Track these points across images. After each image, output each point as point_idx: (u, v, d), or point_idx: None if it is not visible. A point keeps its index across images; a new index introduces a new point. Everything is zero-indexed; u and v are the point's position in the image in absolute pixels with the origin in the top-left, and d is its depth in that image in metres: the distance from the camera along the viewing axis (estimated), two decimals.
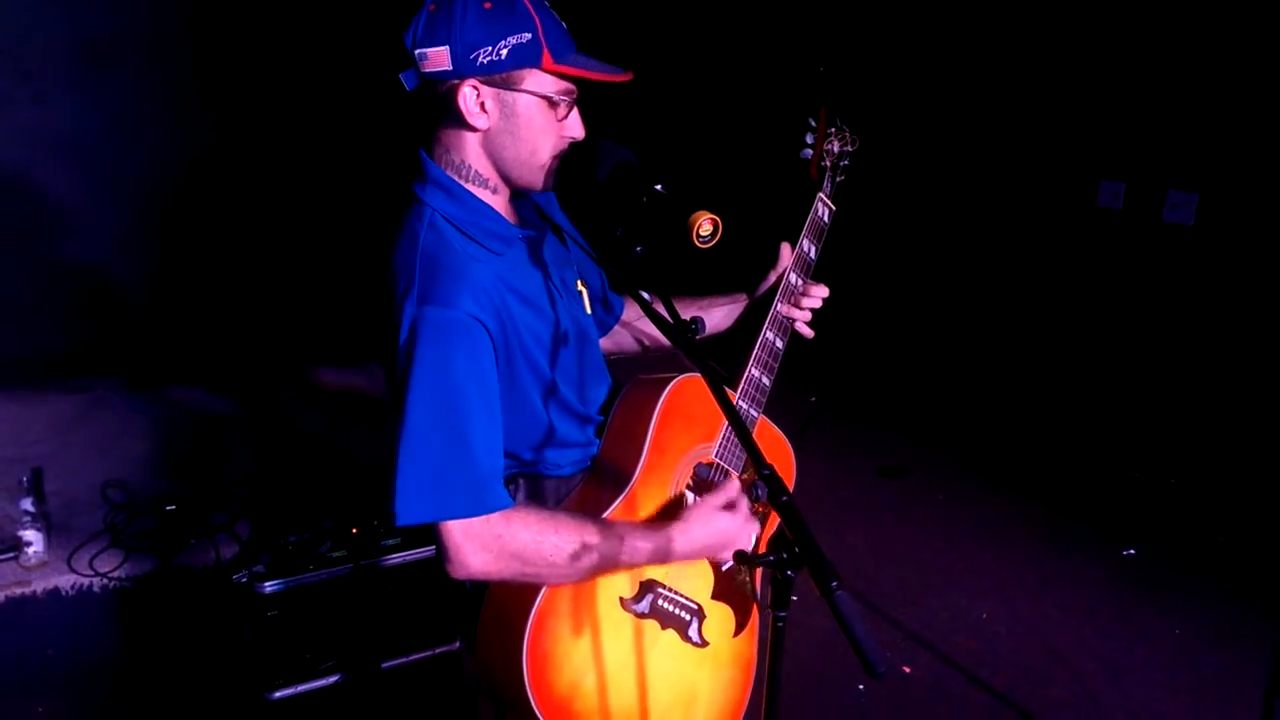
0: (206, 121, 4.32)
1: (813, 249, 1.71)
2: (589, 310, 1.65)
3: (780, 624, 1.16)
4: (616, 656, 1.49)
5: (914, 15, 4.49)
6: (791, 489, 1.69)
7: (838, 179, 1.74)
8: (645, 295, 1.37)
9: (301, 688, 2.38)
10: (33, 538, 2.50)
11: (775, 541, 1.12)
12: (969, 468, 3.86)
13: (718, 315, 1.76)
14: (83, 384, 3.84)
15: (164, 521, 2.76)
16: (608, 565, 1.42)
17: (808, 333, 1.71)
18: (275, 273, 4.33)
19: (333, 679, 2.42)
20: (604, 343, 1.84)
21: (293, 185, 4.40)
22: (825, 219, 1.73)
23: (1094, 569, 3.16)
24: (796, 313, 1.68)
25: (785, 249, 1.71)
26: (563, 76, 1.37)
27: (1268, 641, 2.68)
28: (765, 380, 1.63)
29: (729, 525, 1.48)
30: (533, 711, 1.42)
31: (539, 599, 1.44)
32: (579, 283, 1.63)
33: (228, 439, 3.39)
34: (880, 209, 4.79)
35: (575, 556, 1.38)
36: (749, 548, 1.52)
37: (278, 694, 2.35)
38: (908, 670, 2.66)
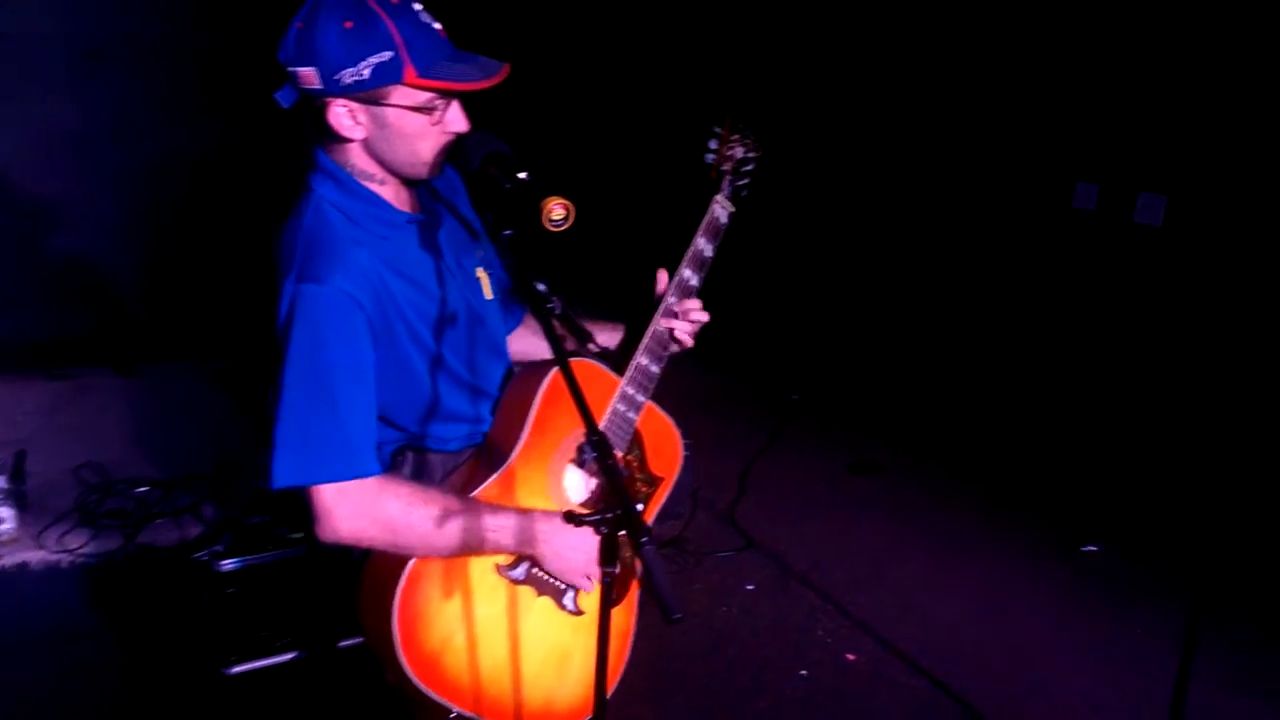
0: (197, 116, 4.43)
1: (708, 247, 1.77)
2: (490, 295, 1.72)
3: (608, 579, 1.23)
4: (489, 618, 1.56)
5: (898, 17, 4.53)
6: (676, 470, 1.77)
7: (739, 183, 1.81)
8: (540, 287, 1.42)
9: (257, 663, 2.45)
10: (4, 514, 2.60)
11: (603, 503, 1.19)
12: (940, 466, 3.90)
13: (600, 337, 1.82)
14: (69, 370, 3.96)
15: (134, 502, 2.85)
16: (475, 545, 1.50)
17: (687, 341, 1.74)
18: (258, 264, 4.42)
19: (289, 656, 2.49)
20: (518, 339, 1.91)
21: (275, 180, 4.49)
22: (723, 219, 1.79)
23: (1053, 564, 3.19)
24: (676, 323, 1.72)
25: (662, 274, 1.75)
26: (429, 89, 1.43)
27: (1226, 641, 2.72)
28: (654, 368, 1.70)
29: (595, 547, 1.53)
30: (401, 667, 1.49)
31: (412, 560, 1.51)
32: (480, 269, 1.71)
33: (205, 424, 3.49)
34: (863, 210, 4.84)
35: (443, 532, 1.45)
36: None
37: (234, 669, 2.43)
38: (851, 658, 2.70)
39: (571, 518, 1.21)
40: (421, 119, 1.45)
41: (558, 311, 1.36)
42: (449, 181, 1.67)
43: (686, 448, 3.39)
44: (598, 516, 1.18)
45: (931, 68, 4.42)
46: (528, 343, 1.91)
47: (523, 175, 1.42)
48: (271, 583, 2.47)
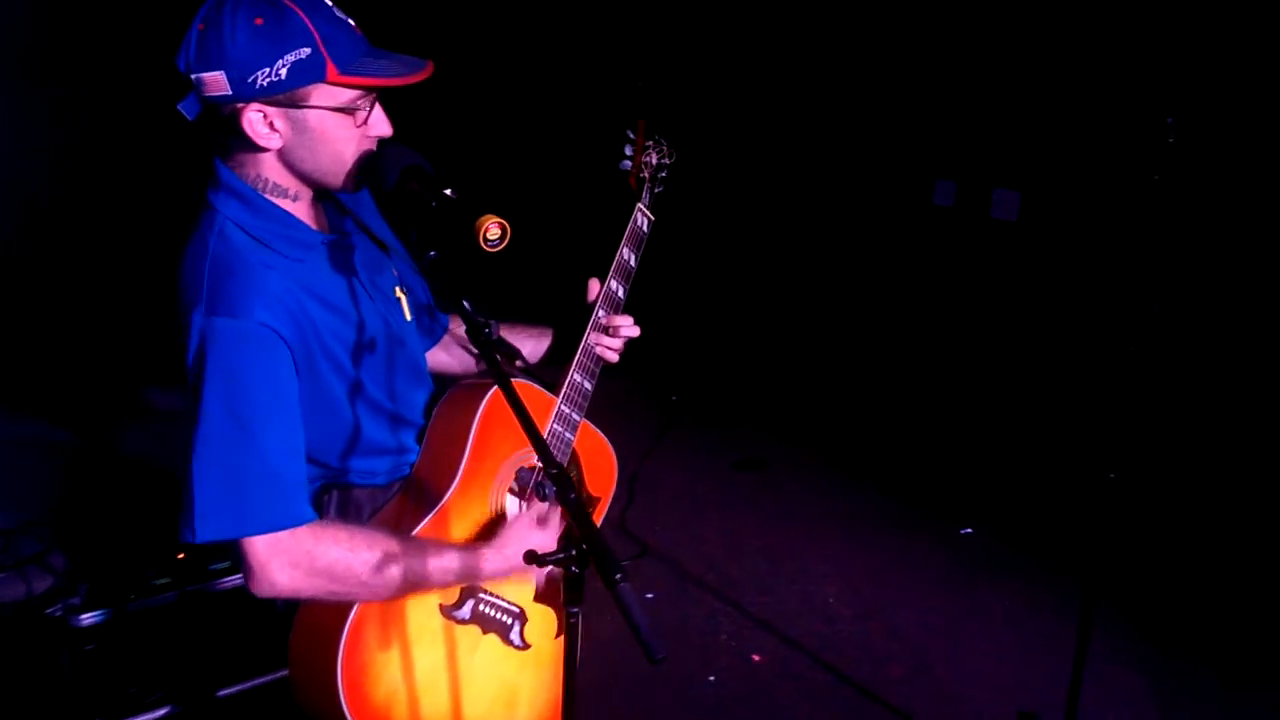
0: (24, 129, 4.03)
1: (633, 257, 1.74)
2: (409, 317, 1.61)
3: (573, 620, 1.16)
4: (436, 663, 1.47)
5: (756, 23, 4.61)
6: (612, 489, 1.71)
7: (656, 190, 1.78)
8: (467, 304, 1.33)
9: None
10: None
11: (565, 539, 1.12)
12: (820, 459, 3.98)
13: (527, 345, 1.75)
14: None
15: None
16: (420, 584, 1.40)
17: (613, 357, 1.72)
18: (100, 290, 4.07)
19: (162, 711, 2.29)
20: (439, 355, 1.81)
21: (114, 198, 4.15)
22: (644, 229, 1.76)
23: (933, 549, 3.31)
24: (605, 339, 1.69)
25: (593, 283, 1.71)
26: (353, 86, 1.32)
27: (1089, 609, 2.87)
28: (587, 385, 1.65)
29: (542, 541, 1.47)
30: None
31: (353, 611, 1.40)
32: (397, 289, 1.60)
33: (45, 466, 3.16)
34: (729, 213, 4.90)
35: (388, 575, 1.35)
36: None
37: None
38: (757, 658, 2.71)
39: (533, 558, 1.13)
40: (345, 121, 1.33)
41: (496, 336, 1.28)
42: (358, 197, 1.55)
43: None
44: (562, 555, 1.10)
45: (793, 71, 4.52)
46: (441, 359, 1.81)
47: (448, 192, 1.31)
48: (138, 633, 2.27)
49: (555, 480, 1.10)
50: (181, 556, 2.44)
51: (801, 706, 2.54)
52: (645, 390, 4.62)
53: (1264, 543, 3.16)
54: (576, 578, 1.11)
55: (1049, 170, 3.73)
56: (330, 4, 1.32)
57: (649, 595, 3.00)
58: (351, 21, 1.34)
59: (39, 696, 2.36)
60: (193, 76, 1.28)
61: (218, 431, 1.27)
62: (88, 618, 2.22)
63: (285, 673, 2.42)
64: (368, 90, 1.34)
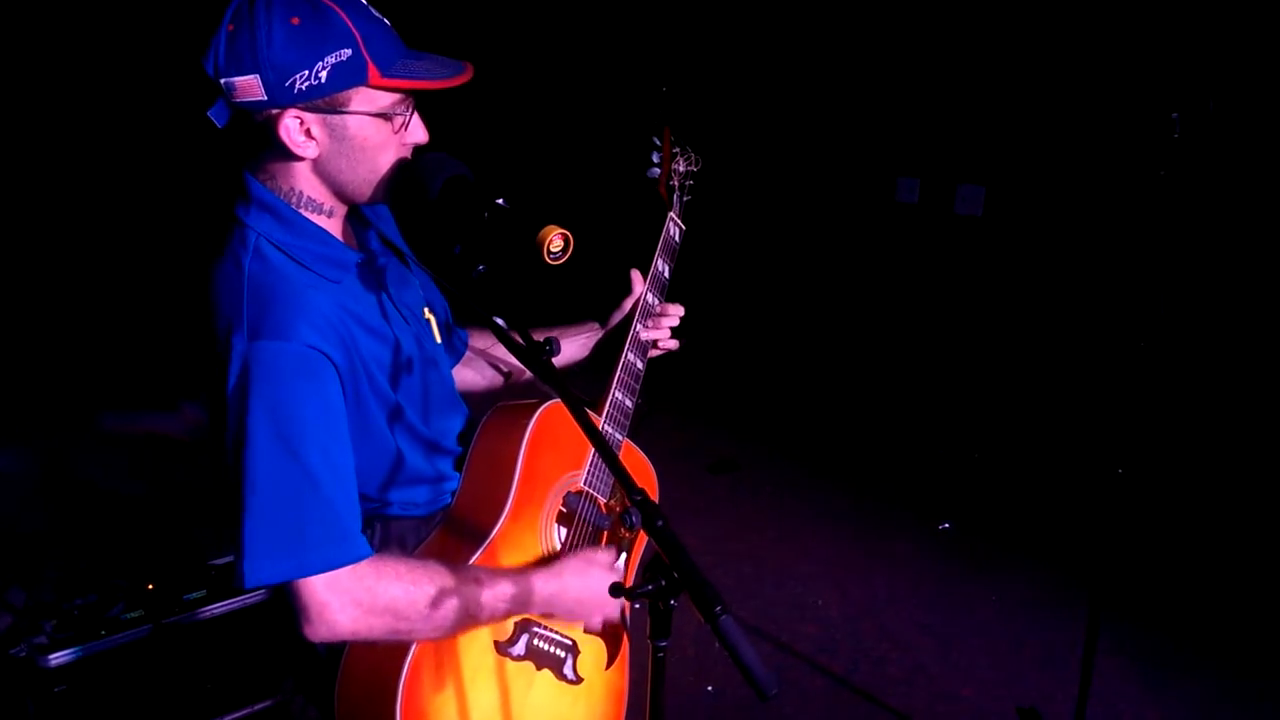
0: None
1: (666, 268, 1.69)
2: (439, 338, 1.53)
3: (661, 654, 1.10)
4: (493, 704, 1.40)
5: (723, 32, 4.59)
6: None
7: (685, 199, 1.73)
8: (499, 321, 1.26)
9: None
10: None
11: (652, 570, 1.05)
12: (794, 458, 3.97)
13: (571, 347, 1.69)
14: None
15: None
16: (482, 617, 1.33)
17: (672, 345, 1.68)
18: (60, 309, 3.87)
19: None
20: (460, 372, 1.73)
21: (74, 208, 3.95)
22: (677, 238, 1.72)
23: (914, 546, 3.32)
24: (656, 333, 1.64)
25: (636, 276, 1.67)
26: (396, 89, 1.23)
27: (1075, 601, 2.91)
28: (628, 402, 1.59)
29: (604, 584, 1.41)
30: None
31: (410, 654, 1.32)
32: (426, 309, 1.51)
33: None
34: (703, 212, 4.85)
35: (449, 609, 1.27)
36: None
37: None
38: None
39: (619, 591, 1.06)
40: (384, 128, 1.24)
41: (556, 353, 1.20)
42: (378, 212, 1.46)
43: None
44: (651, 588, 1.03)
45: (755, 69, 4.50)
46: (465, 376, 1.73)
47: (500, 202, 1.23)
48: (109, 673, 2.14)
49: (640, 508, 1.04)
50: (152, 587, 2.32)
51: (803, 712, 2.52)
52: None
53: (1269, 540, 3.21)
54: (667, 610, 1.05)
55: (1012, 165, 3.77)
56: (366, 3, 1.23)
57: (635, 605, 2.94)
58: (387, 21, 1.25)
59: None
60: (222, 81, 1.17)
61: (267, 464, 1.17)
62: (56, 657, 2.08)
63: (269, 703, 2.34)
64: (408, 94, 1.26)
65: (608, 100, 4.92)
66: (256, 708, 2.31)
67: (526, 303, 1.32)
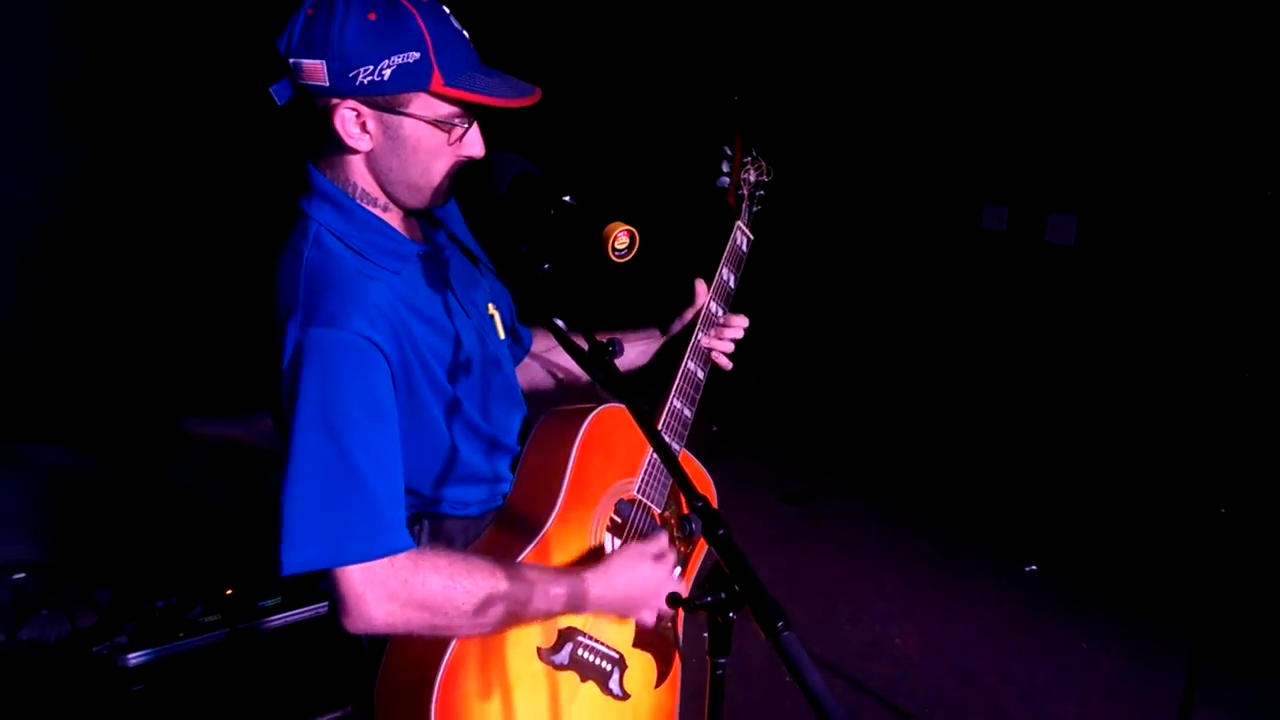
0: (66, 154, 4.01)
1: (732, 278, 1.66)
2: (503, 335, 1.53)
3: (720, 672, 1.05)
4: (534, 712, 1.36)
5: (809, 48, 4.57)
6: None
7: (754, 209, 1.70)
8: (558, 322, 1.25)
9: None
10: None
11: (711, 581, 1.01)
12: (871, 492, 3.87)
13: (631, 353, 1.67)
14: None
15: (10, 591, 2.47)
16: (525, 615, 1.30)
17: (726, 364, 1.64)
18: (144, 319, 4.03)
19: None
20: (523, 373, 1.72)
21: (162, 226, 4.12)
22: (744, 248, 1.69)
23: (998, 587, 3.18)
24: (718, 343, 1.61)
25: (700, 285, 1.64)
26: (456, 100, 1.24)
27: (1170, 647, 2.75)
28: (687, 412, 1.55)
29: (653, 575, 1.38)
30: None
31: (448, 653, 1.29)
32: (490, 305, 1.52)
33: (88, 499, 3.09)
34: (775, 235, 4.81)
35: (490, 605, 1.24)
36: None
37: None
38: None
39: (676, 600, 1.03)
40: (439, 136, 1.26)
41: (619, 354, 1.18)
42: (447, 210, 1.47)
43: None
44: (710, 599, 0.99)
45: (844, 96, 4.46)
46: (528, 377, 1.72)
47: (568, 199, 1.22)
48: (187, 674, 2.18)
49: (701, 514, 1.00)
50: (230, 593, 2.36)
51: None
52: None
53: None
54: (726, 624, 1.01)
55: (1106, 192, 3.63)
56: (448, 12, 1.25)
57: (704, 634, 2.89)
58: (466, 34, 1.26)
59: None
60: (291, 61, 1.20)
61: (311, 450, 1.18)
62: (135, 657, 2.13)
63: (336, 714, 2.35)
64: (468, 107, 1.27)
65: (680, 108, 4.94)
66: (325, 718, 2.33)
67: (589, 307, 1.31)
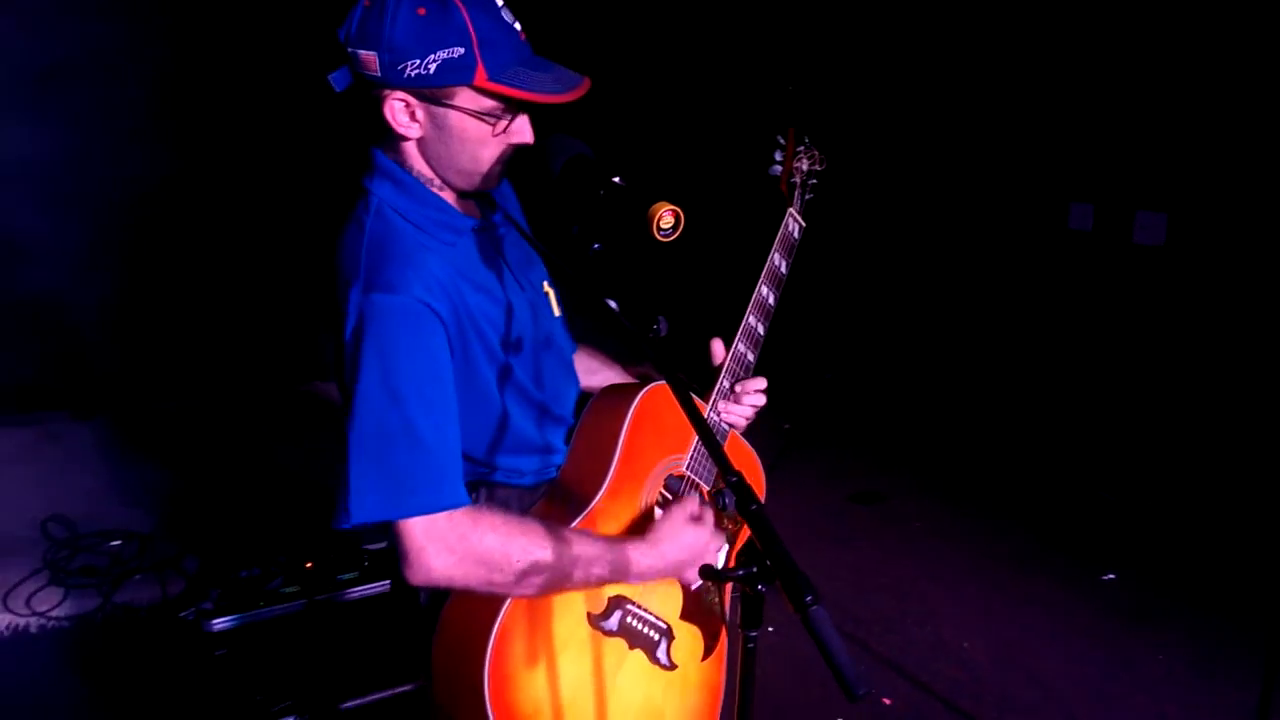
0: (162, 143, 4.21)
1: (783, 263, 1.68)
2: (558, 312, 1.58)
3: (751, 645, 1.07)
4: (582, 677, 1.41)
5: (887, 38, 4.51)
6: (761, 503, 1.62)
7: (806, 197, 1.71)
8: (611, 303, 1.28)
9: None
10: None
11: (745, 555, 1.04)
12: (944, 493, 3.80)
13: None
14: (30, 417, 3.70)
15: (107, 557, 2.63)
16: (574, 578, 1.34)
17: (747, 415, 1.64)
18: (235, 296, 4.21)
19: None
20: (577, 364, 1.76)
21: (251, 207, 4.30)
22: (795, 235, 1.70)
23: (1073, 594, 3.10)
24: (737, 411, 1.62)
25: (717, 344, 1.63)
26: (498, 95, 1.29)
27: (1253, 663, 2.64)
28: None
29: (695, 539, 1.41)
30: None
31: (500, 616, 1.34)
32: (545, 284, 1.57)
33: (180, 471, 3.26)
34: (852, 231, 4.78)
35: (542, 566, 1.29)
36: (717, 564, 1.45)
37: None
38: (888, 702, 2.57)
39: (710, 573, 1.06)
40: (483, 128, 1.32)
41: (663, 333, 1.22)
42: (502, 192, 1.53)
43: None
44: (743, 572, 1.02)
45: (926, 91, 4.40)
46: (583, 365, 1.77)
47: (616, 180, 1.27)
48: (266, 641, 2.28)
49: (735, 489, 1.03)
50: (310, 566, 2.46)
51: None
52: (758, 416, 4.52)
53: None
54: (757, 597, 1.03)
55: (1196, 190, 3.50)
56: (501, 4, 1.30)
57: (769, 629, 2.89)
58: (518, 26, 1.31)
59: (171, 699, 2.40)
60: (349, 50, 1.28)
61: (373, 408, 1.25)
62: (219, 623, 2.24)
63: (409, 688, 2.43)
64: (513, 101, 1.32)
65: (740, 98, 4.93)
66: (398, 690, 2.40)
67: (647, 292, 1.34)
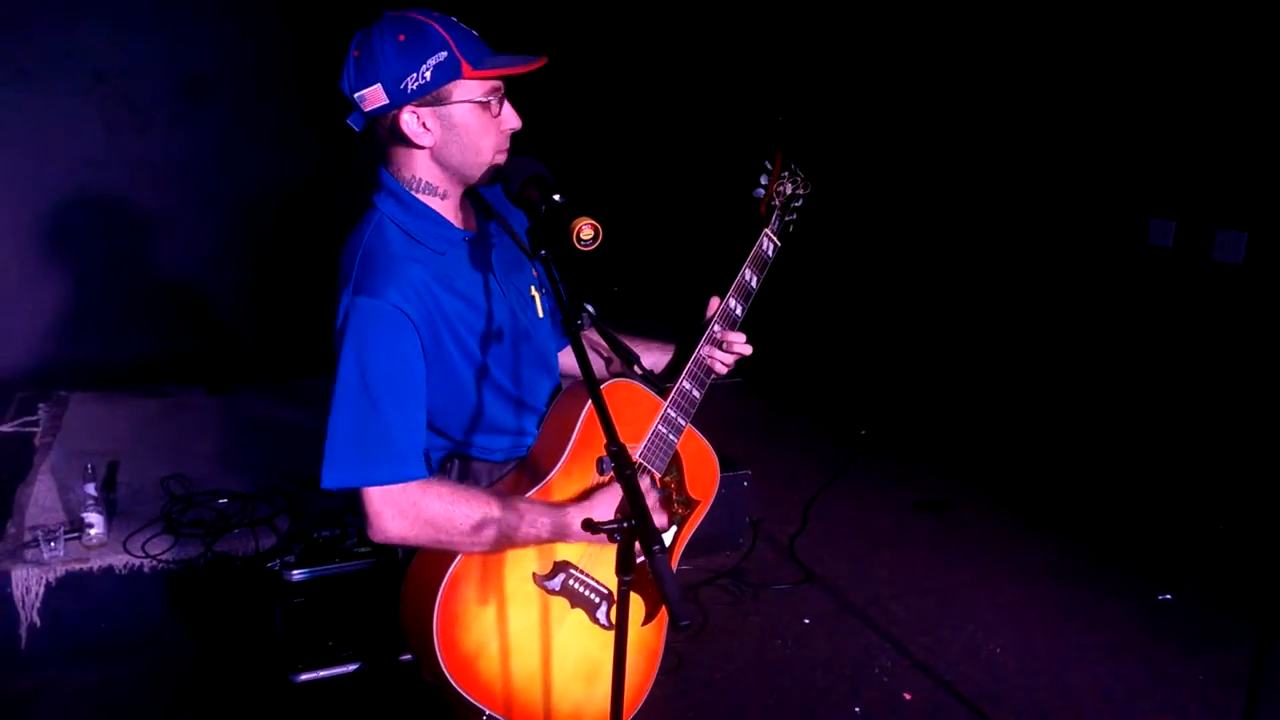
0: (290, 145, 4.66)
1: (754, 279, 1.83)
2: (541, 314, 1.79)
3: (625, 588, 1.29)
4: (523, 626, 1.62)
5: (969, 55, 4.52)
6: (712, 494, 1.81)
7: (787, 219, 1.87)
8: (589, 307, 1.49)
9: (323, 673, 2.54)
10: (94, 520, 2.76)
11: (620, 510, 1.23)
12: (1013, 506, 3.81)
13: (649, 357, 1.88)
14: (166, 389, 4.18)
15: (214, 513, 2.99)
16: (516, 537, 1.57)
17: (721, 370, 1.80)
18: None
19: (353, 667, 2.58)
20: (565, 359, 1.97)
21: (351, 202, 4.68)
22: (769, 253, 1.86)
23: (1125, 612, 3.09)
24: (718, 353, 1.78)
25: (714, 300, 1.81)
26: (486, 78, 1.53)
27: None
28: (696, 393, 1.76)
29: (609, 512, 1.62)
30: (439, 666, 1.56)
31: (453, 565, 1.58)
32: (533, 288, 1.78)
33: (287, 442, 3.63)
34: (937, 246, 4.80)
35: (484, 526, 1.54)
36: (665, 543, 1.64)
37: (301, 677, 2.52)
38: (908, 697, 2.66)
39: (589, 525, 1.27)
40: (484, 115, 1.55)
41: (585, 327, 1.42)
42: (506, 202, 1.76)
43: (745, 478, 3.41)
44: (614, 525, 1.24)
45: (1002, 106, 4.39)
46: (570, 361, 1.98)
47: (558, 197, 1.50)
48: (338, 594, 2.57)
49: (614, 457, 1.25)
50: None
51: None
52: (832, 421, 4.61)
53: None
54: (626, 548, 1.24)
55: (1277, 209, 3.40)
56: (456, 20, 1.55)
57: (805, 620, 3.02)
58: (475, 32, 1.56)
59: (257, 638, 2.74)
60: (355, 95, 1.54)
61: (349, 394, 1.51)
62: (298, 574, 2.54)
63: None
64: (498, 81, 1.56)
65: (734, 127, 5.08)
66: None
67: (626, 303, 1.53)
